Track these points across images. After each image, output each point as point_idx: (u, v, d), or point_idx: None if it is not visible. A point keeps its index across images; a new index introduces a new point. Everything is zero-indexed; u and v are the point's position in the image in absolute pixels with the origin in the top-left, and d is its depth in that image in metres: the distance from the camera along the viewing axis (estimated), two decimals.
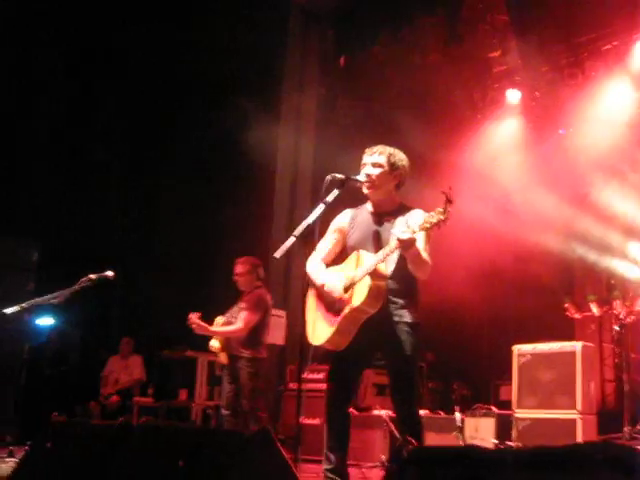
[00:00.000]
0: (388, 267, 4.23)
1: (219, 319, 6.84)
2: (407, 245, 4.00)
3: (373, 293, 4.13)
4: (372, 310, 4.16)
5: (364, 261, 4.22)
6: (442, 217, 3.84)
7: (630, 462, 1.76)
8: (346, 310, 4.22)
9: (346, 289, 4.27)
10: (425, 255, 4.21)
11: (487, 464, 1.95)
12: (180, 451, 2.84)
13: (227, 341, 6.72)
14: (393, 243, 4.04)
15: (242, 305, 6.74)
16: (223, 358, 6.76)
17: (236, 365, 6.64)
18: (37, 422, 6.06)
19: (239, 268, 6.84)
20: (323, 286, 4.37)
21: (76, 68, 10.24)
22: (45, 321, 9.87)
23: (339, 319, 4.25)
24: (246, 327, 6.61)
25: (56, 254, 9.70)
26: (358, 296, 4.16)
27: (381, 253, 4.12)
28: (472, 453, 2.02)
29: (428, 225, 3.89)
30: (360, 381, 6.34)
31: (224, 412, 6.73)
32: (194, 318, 6.59)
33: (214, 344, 6.78)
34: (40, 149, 10.03)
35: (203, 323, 6.65)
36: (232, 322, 6.74)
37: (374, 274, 4.14)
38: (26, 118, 9.85)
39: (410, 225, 4.01)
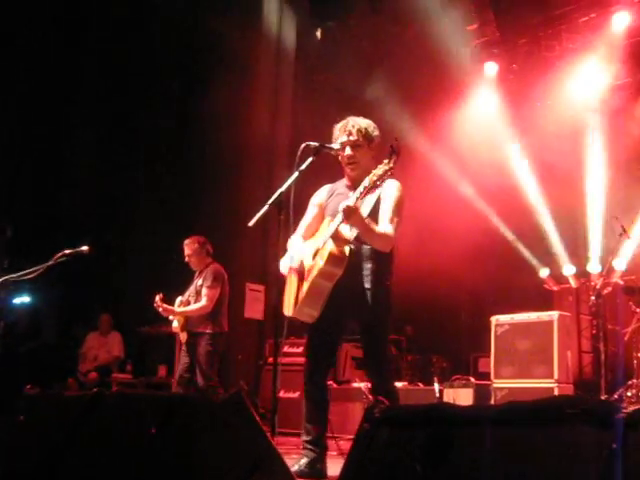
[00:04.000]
0: (353, 232, 4.21)
1: (178, 299, 6.83)
2: (347, 214, 3.99)
3: (333, 255, 4.11)
4: (336, 272, 4.13)
5: (329, 227, 4.21)
6: (387, 167, 3.87)
7: (602, 414, 1.75)
8: (312, 274, 4.20)
9: (314, 256, 4.26)
10: (381, 227, 4.19)
11: (458, 421, 1.94)
12: (152, 418, 2.80)
13: (187, 319, 6.73)
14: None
15: (199, 282, 6.75)
16: (183, 337, 6.75)
17: (196, 341, 6.63)
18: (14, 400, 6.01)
19: (187, 249, 6.88)
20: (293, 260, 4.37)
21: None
22: (21, 299, 9.77)
23: (307, 286, 4.24)
24: (211, 303, 6.64)
25: (31, 231, 9.57)
26: (321, 260, 4.15)
27: (337, 219, 4.11)
28: (443, 411, 2.01)
29: (375, 178, 3.92)
30: (338, 352, 6.33)
31: (176, 388, 6.73)
32: (159, 301, 6.63)
33: (175, 324, 6.81)
34: (12, 126, 9.86)
35: (167, 305, 6.67)
36: (190, 301, 6.75)
37: (336, 237, 4.13)
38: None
39: (351, 196, 4.05)
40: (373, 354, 4.36)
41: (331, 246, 4.11)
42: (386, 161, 3.89)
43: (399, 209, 4.28)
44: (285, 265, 4.42)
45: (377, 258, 4.28)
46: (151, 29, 10.03)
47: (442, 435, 1.93)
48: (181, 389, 6.62)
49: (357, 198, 4.01)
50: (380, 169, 3.90)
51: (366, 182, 3.97)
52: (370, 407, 2.20)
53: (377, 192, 4.21)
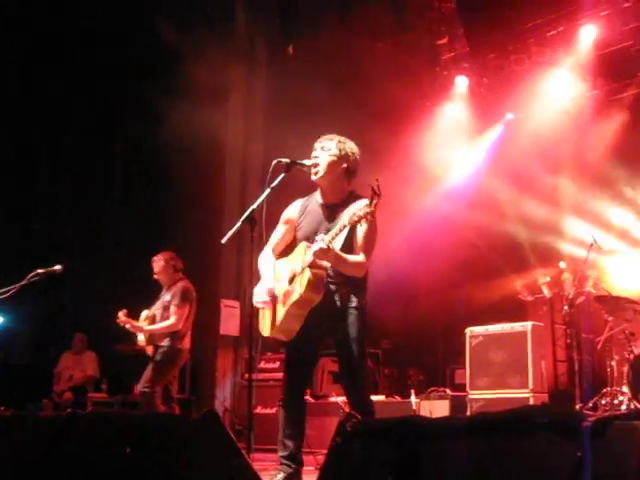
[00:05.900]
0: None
1: (144, 313, 6.86)
2: (320, 256, 4.04)
3: (312, 284, 4.14)
4: (314, 299, 4.18)
5: (306, 256, 4.22)
6: (368, 210, 3.85)
7: (568, 424, 1.78)
8: (291, 300, 4.23)
9: (290, 280, 4.28)
10: (354, 257, 4.21)
11: (429, 433, 1.97)
12: (127, 438, 2.80)
13: (152, 334, 6.77)
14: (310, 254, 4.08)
15: (167, 299, 6.76)
16: (150, 350, 6.80)
17: (155, 353, 6.71)
18: None
19: (155, 267, 6.90)
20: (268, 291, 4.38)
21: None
22: None
23: (285, 310, 4.26)
24: (179, 321, 6.66)
25: (3, 251, 9.51)
26: (299, 288, 4.18)
27: (312, 250, 4.11)
28: (414, 423, 2.03)
29: (356, 218, 3.91)
30: (316, 368, 6.33)
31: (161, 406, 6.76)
32: (123, 317, 6.66)
33: (141, 338, 6.84)
34: None
35: (135, 322, 6.72)
36: (156, 315, 6.77)
37: (314, 265, 4.15)
38: None
39: (325, 237, 4.04)
40: (349, 369, 4.37)
41: (309, 273, 4.13)
42: (367, 202, 3.87)
43: (373, 234, 4.28)
44: (260, 295, 4.40)
45: (352, 279, 4.30)
46: (119, 51, 10.03)
47: (413, 447, 1.95)
48: (165, 406, 6.63)
49: (332, 238, 4.03)
50: (362, 211, 3.87)
51: (345, 220, 3.97)
52: (342, 421, 2.22)
53: (348, 212, 4.23)
